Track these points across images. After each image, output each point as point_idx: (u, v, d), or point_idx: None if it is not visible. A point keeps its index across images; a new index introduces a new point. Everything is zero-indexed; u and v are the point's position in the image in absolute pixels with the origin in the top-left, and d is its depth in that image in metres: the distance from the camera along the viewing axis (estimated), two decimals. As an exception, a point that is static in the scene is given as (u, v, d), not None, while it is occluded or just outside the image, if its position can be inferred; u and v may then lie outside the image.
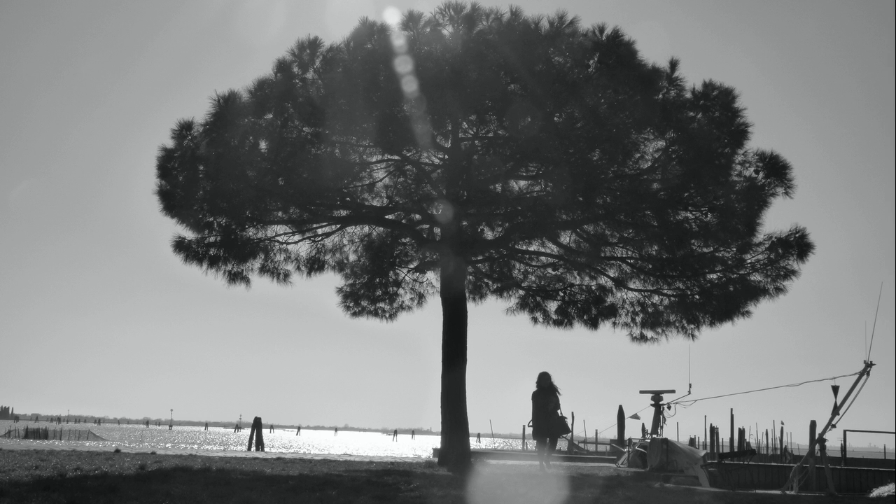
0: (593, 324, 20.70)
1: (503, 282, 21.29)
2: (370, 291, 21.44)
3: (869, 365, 13.48)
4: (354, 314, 21.68)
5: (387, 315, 21.75)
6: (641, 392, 20.40)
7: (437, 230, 19.22)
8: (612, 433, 45.28)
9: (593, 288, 20.62)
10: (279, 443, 69.42)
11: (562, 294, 20.95)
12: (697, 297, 18.93)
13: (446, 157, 18.11)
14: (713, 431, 47.86)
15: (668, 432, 19.53)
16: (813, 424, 30.93)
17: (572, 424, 46.73)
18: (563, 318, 20.92)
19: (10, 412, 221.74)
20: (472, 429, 18.96)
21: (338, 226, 19.79)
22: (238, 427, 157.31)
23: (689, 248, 17.90)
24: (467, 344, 18.54)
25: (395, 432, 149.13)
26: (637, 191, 17.00)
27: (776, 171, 16.71)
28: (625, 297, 20.29)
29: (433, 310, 20.28)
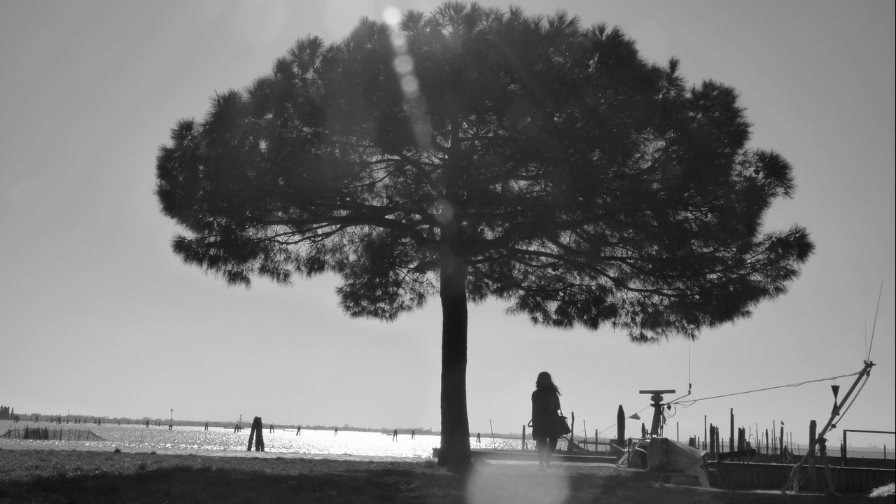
0: (593, 324, 20.70)
1: (503, 282, 21.29)
2: (370, 291, 21.44)
3: (869, 365, 13.48)
4: (354, 314, 21.68)
5: (387, 315, 21.75)
6: (641, 392, 20.41)
7: (437, 230, 19.23)
8: (612, 433, 45.31)
9: (593, 288, 20.62)
10: (279, 443, 69.43)
11: (562, 294, 20.95)
12: (697, 297, 18.93)
13: (446, 157, 18.11)
14: (713, 431, 47.87)
15: (668, 432, 19.55)
16: (813, 424, 30.96)
17: (572, 424, 46.74)
18: (563, 318, 20.92)
19: (10, 412, 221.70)
20: (472, 429, 18.96)
21: (338, 226, 19.79)
22: (238, 427, 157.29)
23: (689, 248, 17.90)
24: (467, 344, 18.54)
25: (395, 432, 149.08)
26: (637, 191, 17.00)
27: (776, 171, 16.71)
28: (625, 297, 20.29)
29: (433, 310, 20.33)
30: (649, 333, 20.29)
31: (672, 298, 19.40)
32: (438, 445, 20.30)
